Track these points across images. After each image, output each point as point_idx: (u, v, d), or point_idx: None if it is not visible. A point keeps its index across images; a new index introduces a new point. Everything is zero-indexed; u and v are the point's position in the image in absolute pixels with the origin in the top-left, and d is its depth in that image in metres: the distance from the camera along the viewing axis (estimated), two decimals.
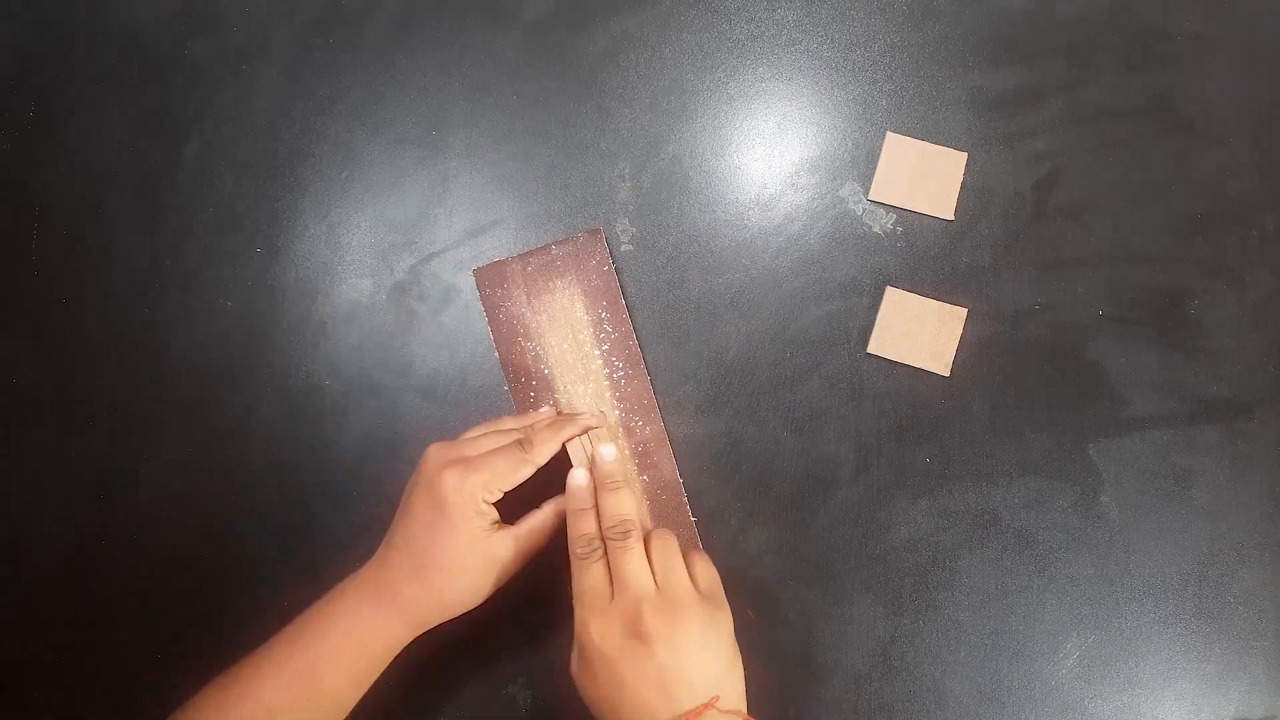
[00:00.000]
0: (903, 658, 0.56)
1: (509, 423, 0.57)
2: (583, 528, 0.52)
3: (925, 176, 0.61)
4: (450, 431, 0.56)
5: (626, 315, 0.60)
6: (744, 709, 0.48)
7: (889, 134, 0.61)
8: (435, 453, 0.53)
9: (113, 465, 0.61)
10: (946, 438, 0.58)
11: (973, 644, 0.56)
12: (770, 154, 0.62)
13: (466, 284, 0.62)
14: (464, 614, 0.52)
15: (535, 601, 0.58)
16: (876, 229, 0.61)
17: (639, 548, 0.50)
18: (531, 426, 0.56)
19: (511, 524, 0.53)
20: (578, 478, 0.53)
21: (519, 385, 0.60)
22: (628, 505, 0.52)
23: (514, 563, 0.53)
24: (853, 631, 0.57)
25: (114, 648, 0.59)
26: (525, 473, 0.53)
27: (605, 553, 0.51)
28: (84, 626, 0.60)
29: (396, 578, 0.50)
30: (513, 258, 0.61)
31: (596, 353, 0.60)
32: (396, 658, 0.51)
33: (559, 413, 0.59)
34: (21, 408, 0.63)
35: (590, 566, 0.50)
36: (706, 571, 0.52)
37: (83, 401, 0.62)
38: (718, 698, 0.46)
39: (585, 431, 0.57)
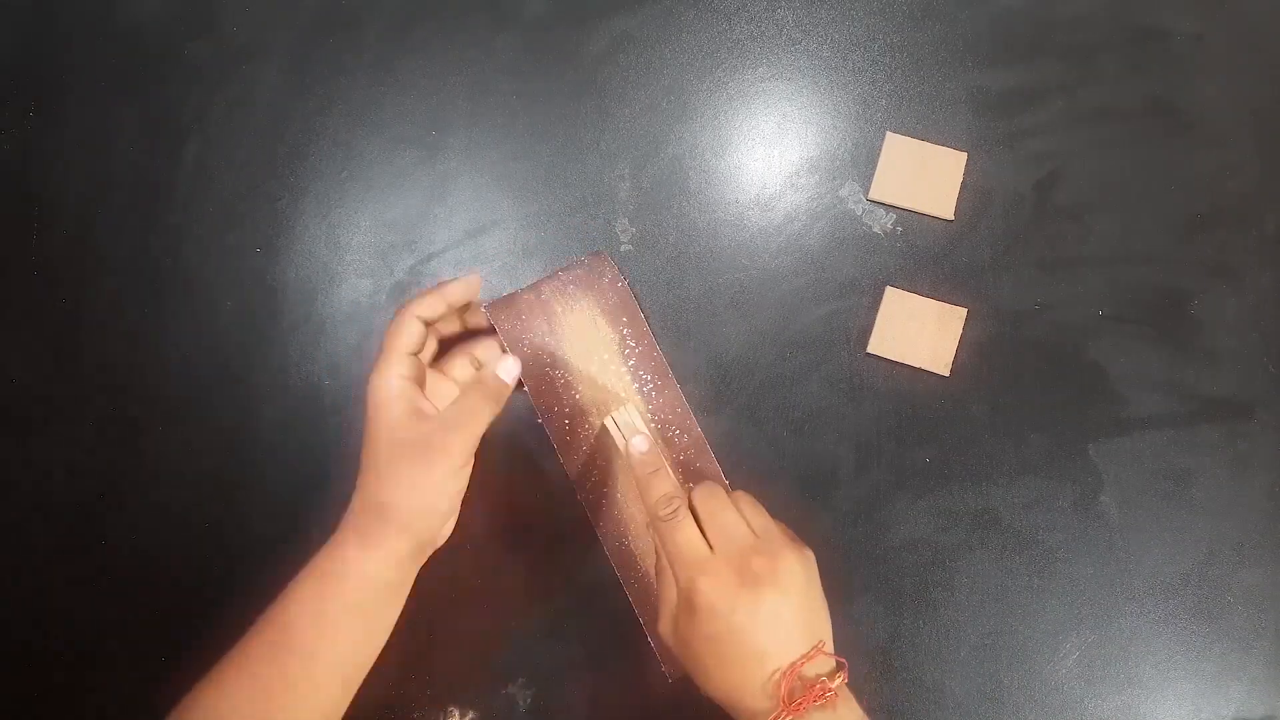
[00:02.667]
0: (903, 658, 0.56)
1: (428, 304, 0.54)
2: (660, 488, 0.51)
3: (925, 176, 0.61)
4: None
5: (647, 328, 0.60)
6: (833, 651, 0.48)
7: (889, 134, 0.61)
8: (399, 392, 0.51)
9: (113, 465, 0.61)
10: (946, 438, 0.58)
11: (973, 644, 0.56)
12: (770, 154, 0.62)
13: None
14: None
15: (535, 601, 0.58)
16: (876, 229, 0.61)
17: (726, 499, 0.50)
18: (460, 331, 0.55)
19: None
20: (640, 443, 0.53)
21: (552, 415, 0.59)
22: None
23: (461, 463, 0.52)
24: (853, 631, 0.57)
25: (115, 648, 0.59)
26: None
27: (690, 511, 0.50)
28: (84, 627, 0.60)
29: (395, 545, 0.50)
30: (525, 289, 0.60)
31: (624, 369, 0.59)
32: (394, 659, 0.51)
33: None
34: (21, 408, 0.63)
35: (680, 524, 0.49)
36: (778, 522, 0.52)
37: (83, 401, 0.62)
38: (823, 642, 0.47)
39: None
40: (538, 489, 0.60)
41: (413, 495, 0.51)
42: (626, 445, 0.54)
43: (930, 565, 0.57)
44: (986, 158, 0.61)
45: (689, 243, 0.62)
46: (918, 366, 0.59)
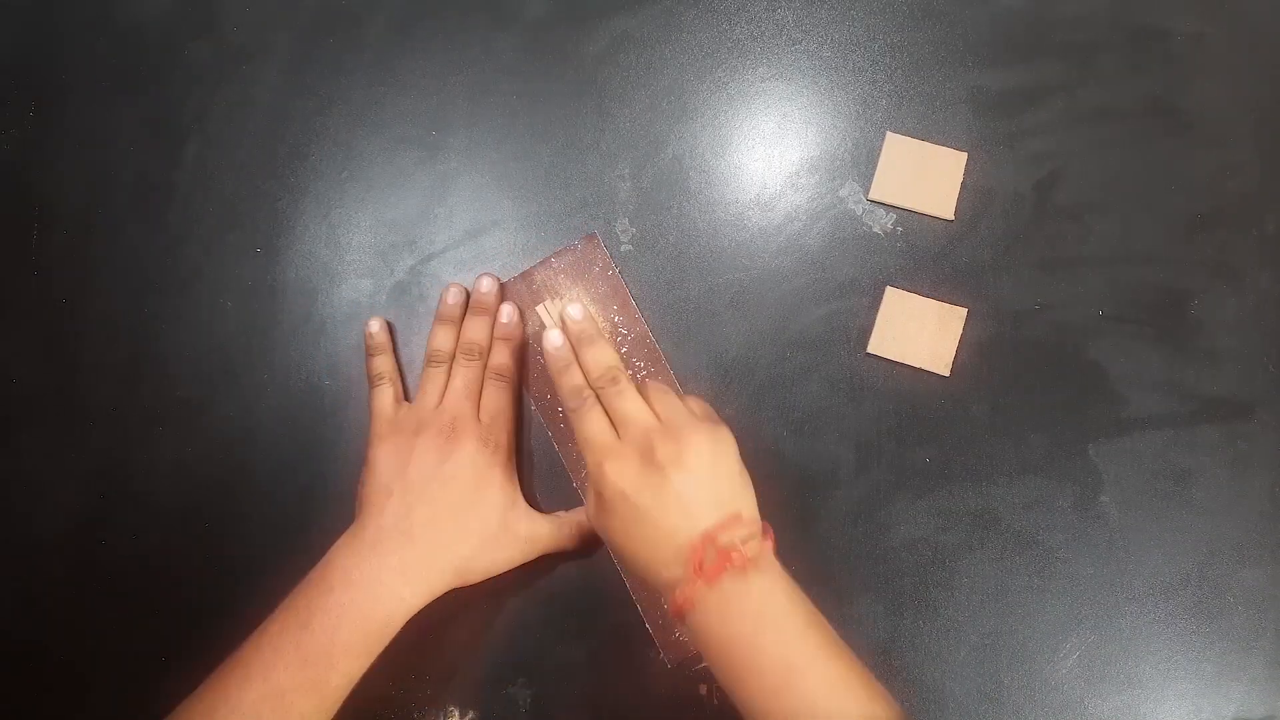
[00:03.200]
0: (903, 658, 0.56)
1: (385, 363, 0.59)
2: (570, 381, 0.52)
3: (925, 176, 0.61)
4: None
5: (639, 315, 0.60)
6: (759, 521, 0.49)
7: (889, 134, 0.61)
8: (411, 419, 0.55)
9: (113, 465, 0.61)
10: (946, 438, 0.58)
11: (973, 644, 0.56)
12: (770, 154, 0.62)
13: (466, 284, 0.62)
14: (470, 588, 0.53)
15: (535, 601, 0.58)
16: (876, 229, 0.61)
17: (631, 388, 0.51)
18: (466, 340, 0.58)
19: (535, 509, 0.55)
20: (553, 338, 0.54)
21: (546, 404, 0.59)
22: (609, 352, 0.53)
23: (526, 549, 0.54)
24: (853, 631, 0.56)
25: (114, 647, 0.59)
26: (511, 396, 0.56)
27: (598, 401, 0.51)
28: (84, 626, 0.60)
29: (421, 548, 0.51)
30: (515, 277, 0.61)
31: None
32: (394, 658, 0.51)
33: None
34: (21, 408, 0.63)
35: (588, 413, 0.51)
36: (700, 403, 0.53)
37: (83, 401, 0.62)
38: (740, 513, 0.47)
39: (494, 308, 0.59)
40: (535, 481, 0.60)
41: (470, 538, 0.53)
42: (543, 337, 0.55)
43: (930, 565, 0.57)
44: (986, 158, 0.61)
45: (689, 243, 0.62)
46: (918, 366, 0.59)
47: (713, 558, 0.46)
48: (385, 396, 0.57)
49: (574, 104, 0.64)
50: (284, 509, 0.60)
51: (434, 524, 0.51)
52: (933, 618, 0.57)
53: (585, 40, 0.64)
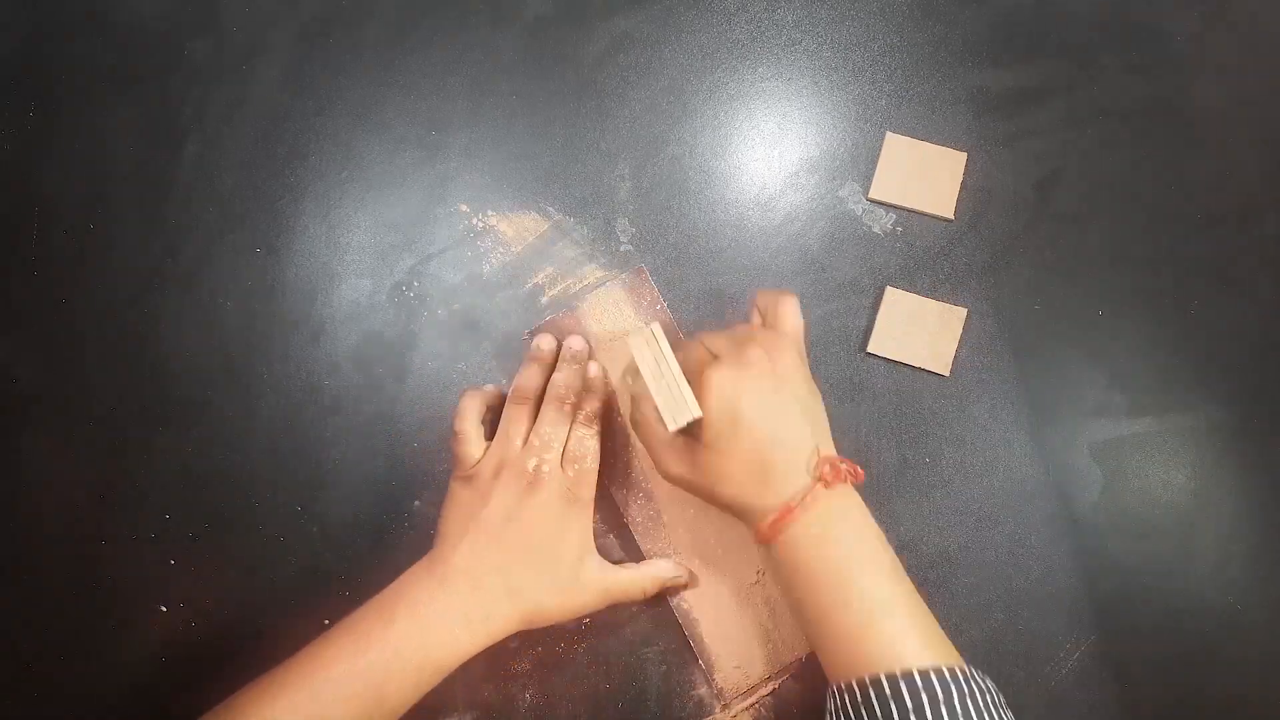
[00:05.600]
0: None
1: (484, 396, 0.56)
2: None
3: (925, 176, 0.61)
4: (448, 429, 0.55)
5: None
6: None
7: (888, 134, 0.61)
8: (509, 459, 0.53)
9: (113, 465, 0.61)
10: (946, 438, 0.58)
11: (973, 644, 0.56)
12: (770, 154, 0.62)
13: (466, 284, 0.62)
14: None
15: None
16: (876, 229, 0.61)
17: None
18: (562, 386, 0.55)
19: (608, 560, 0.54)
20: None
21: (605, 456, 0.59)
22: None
23: (598, 600, 0.53)
24: None
25: (113, 647, 0.59)
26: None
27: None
28: (84, 627, 0.60)
29: (486, 595, 0.50)
30: (566, 312, 0.60)
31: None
32: None
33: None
34: (21, 408, 0.63)
35: (691, 347, 0.50)
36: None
37: (83, 401, 0.62)
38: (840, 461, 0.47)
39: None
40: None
41: (540, 587, 0.51)
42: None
43: (930, 565, 0.57)
44: (986, 158, 0.61)
45: (689, 243, 0.62)
46: (918, 366, 0.59)
47: (829, 469, 0.46)
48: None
49: (574, 104, 0.64)
50: (284, 509, 0.60)
51: (503, 570, 0.50)
52: None
53: (585, 40, 0.64)
